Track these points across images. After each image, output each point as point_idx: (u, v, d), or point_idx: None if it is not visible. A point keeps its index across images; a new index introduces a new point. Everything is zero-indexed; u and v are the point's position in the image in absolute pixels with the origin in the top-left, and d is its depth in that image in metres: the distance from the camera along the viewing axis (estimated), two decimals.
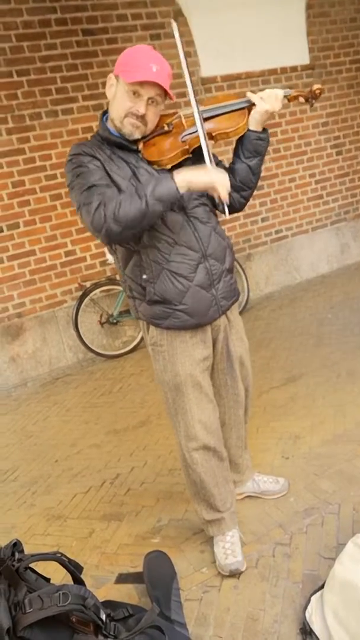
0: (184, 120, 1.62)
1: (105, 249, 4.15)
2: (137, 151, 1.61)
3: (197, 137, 1.54)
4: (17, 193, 4.05)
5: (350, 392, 2.92)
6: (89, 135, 4.15)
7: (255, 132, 1.66)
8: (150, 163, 1.60)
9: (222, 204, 1.52)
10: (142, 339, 4.40)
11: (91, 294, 4.20)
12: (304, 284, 5.28)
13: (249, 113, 1.65)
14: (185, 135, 1.59)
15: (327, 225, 5.53)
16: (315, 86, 1.69)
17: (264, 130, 1.68)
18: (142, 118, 1.56)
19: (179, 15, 4.45)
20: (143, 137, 1.61)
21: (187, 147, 1.59)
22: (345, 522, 1.92)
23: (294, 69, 5.05)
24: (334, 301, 4.58)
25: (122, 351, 4.37)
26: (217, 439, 1.80)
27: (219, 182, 1.46)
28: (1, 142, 3.95)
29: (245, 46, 4.71)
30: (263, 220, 5.13)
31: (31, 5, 3.92)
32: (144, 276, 1.63)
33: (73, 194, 1.55)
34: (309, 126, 5.25)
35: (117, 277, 4.35)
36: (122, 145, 1.60)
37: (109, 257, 4.17)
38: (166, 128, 1.61)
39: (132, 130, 1.58)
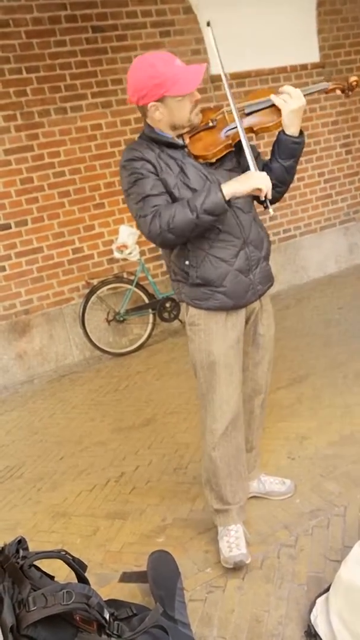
0: (227, 116, 1.74)
1: (113, 247, 4.16)
2: (183, 147, 1.73)
3: (238, 132, 1.67)
4: (25, 190, 4.06)
5: (358, 393, 2.90)
6: (97, 133, 4.25)
7: (291, 137, 1.71)
8: (196, 157, 1.71)
9: (266, 200, 1.63)
10: (148, 336, 4.41)
11: (98, 292, 4.20)
12: (311, 284, 5.25)
13: None
14: (228, 130, 1.72)
15: (336, 225, 5.50)
16: (352, 78, 1.78)
17: (301, 133, 1.73)
18: (196, 103, 1.71)
19: (188, 12, 4.44)
20: (189, 132, 1.73)
21: (229, 141, 1.71)
22: (351, 525, 1.91)
23: (304, 67, 5.02)
24: (341, 301, 4.55)
25: (129, 349, 4.36)
26: (239, 427, 1.88)
27: (262, 184, 1.58)
28: (10, 138, 3.96)
29: (255, 44, 4.67)
30: (271, 219, 5.10)
31: (41, 2, 3.92)
32: (187, 262, 1.75)
33: (130, 202, 1.71)
34: (318, 125, 5.21)
35: (125, 274, 4.35)
36: (170, 144, 1.72)
37: (117, 255, 4.17)
38: (211, 124, 1.74)
39: (199, 117, 1.71)
